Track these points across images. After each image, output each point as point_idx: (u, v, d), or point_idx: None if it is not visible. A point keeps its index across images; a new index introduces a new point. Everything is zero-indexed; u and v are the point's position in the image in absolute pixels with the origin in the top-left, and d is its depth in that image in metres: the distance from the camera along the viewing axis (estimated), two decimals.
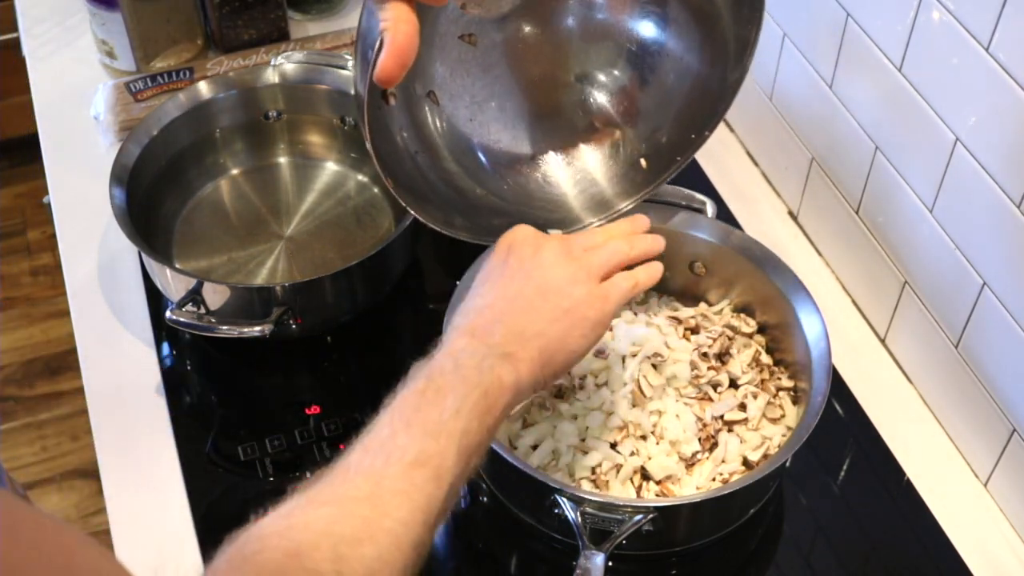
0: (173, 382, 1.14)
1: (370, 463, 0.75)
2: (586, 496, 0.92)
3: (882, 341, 1.19)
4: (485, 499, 1.06)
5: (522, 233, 0.94)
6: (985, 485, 1.08)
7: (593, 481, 0.99)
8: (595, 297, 0.90)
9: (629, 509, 0.92)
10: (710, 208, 1.11)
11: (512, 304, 0.89)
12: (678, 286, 1.13)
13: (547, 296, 0.89)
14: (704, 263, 1.11)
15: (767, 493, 1.03)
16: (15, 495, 0.57)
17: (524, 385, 0.85)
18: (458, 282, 1.05)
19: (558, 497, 0.93)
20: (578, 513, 0.92)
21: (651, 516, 0.92)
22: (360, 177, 1.29)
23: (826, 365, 0.99)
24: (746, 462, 1.01)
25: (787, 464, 0.99)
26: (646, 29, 1.03)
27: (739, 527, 1.02)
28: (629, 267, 0.96)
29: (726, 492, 0.95)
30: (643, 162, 1.06)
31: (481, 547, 1.06)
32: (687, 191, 1.12)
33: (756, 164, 1.36)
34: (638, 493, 0.99)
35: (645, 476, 0.99)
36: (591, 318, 0.89)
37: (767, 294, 1.08)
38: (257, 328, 1.06)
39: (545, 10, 1.02)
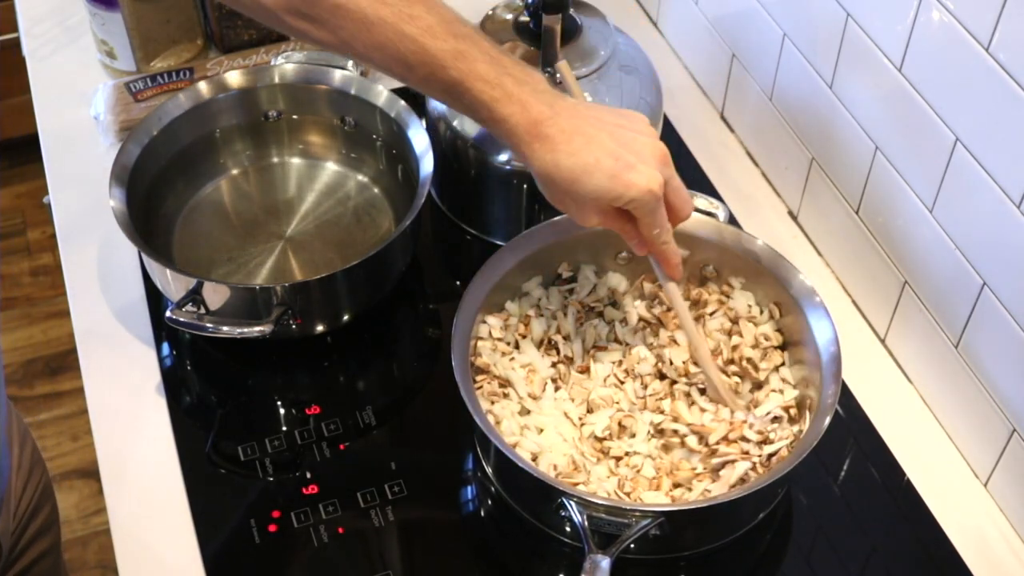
0: (173, 382, 1.14)
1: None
2: (593, 500, 0.92)
3: (882, 341, 1.19)
4: (492, 501, 1.06)
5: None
6: (985, 485, 1.08)
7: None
8: (639, 170, 0.93)
9: (636, 514, 0.92)
10: (721, 213, 1.11)
11: (588, 110, 0.96)
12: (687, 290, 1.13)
13: (614, 126, 0.94)
14: (715, 267, 1.11)
15: (775, 498, 1.03)
16: None
17: (508, 121, 0.93)
18: (459, 282, 1.05)
19: (565, 500, 0.93)
20: (585, 517, 0.92)
21: (659, 521, 0.92)
22: (360, 177, 1.28)
23: (835, 372, 0.98)
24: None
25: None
26: None
27: (748, 531, 1.02)
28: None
29: (734, 498, 0.94)
30: None
31: (488, 549, 1.06)
32: (699, 195, 1.11)
33: (756, 164, 1.36)
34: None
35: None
36: (619, 172, 0.92)
37: (777, 299, 1.08)
38: (257, 328, 1.06)
39: None
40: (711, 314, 1.09)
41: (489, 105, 0.92)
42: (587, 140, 0.92)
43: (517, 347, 1.08)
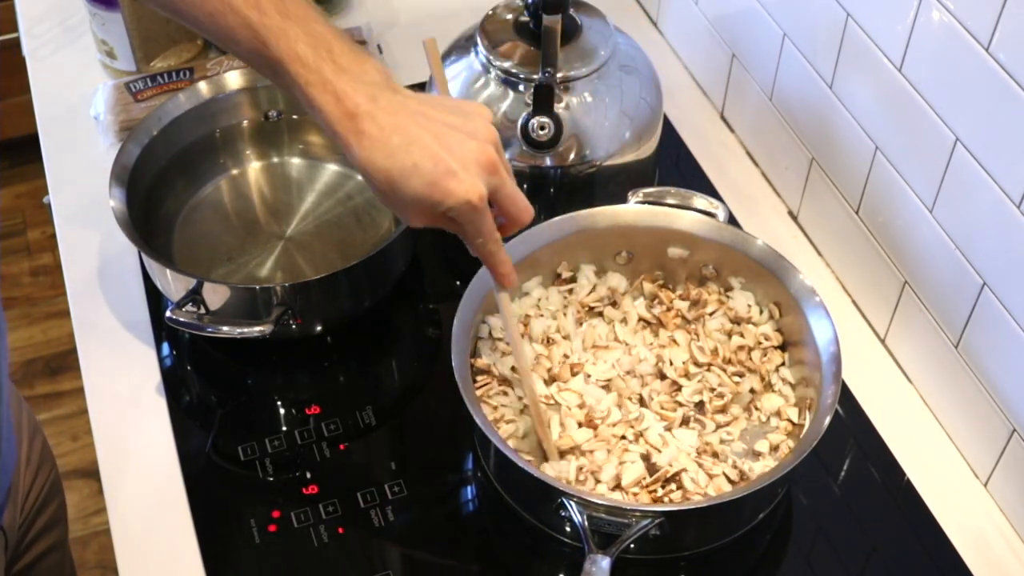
0: (173, 382, 1.14)
1: None
2: (593, 500, 0.92)
3: (882, 341, 1.19)
4: (492, 501, 1.06)
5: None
6: (985, 485, 1.08)
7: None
8: (460, 178, 0.86)
9: (636, 514, 0.92)
10: (721, 213, 1.11)
11: (408, 99, 0.88)
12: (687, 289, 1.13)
13: (443, 127, 0.87)
14: (715, 267, 1.11)
15: (775, 498, 1.03)
16: None
17: (323, 111, 0.86)
18: (459, 282, 1.05)
19: (565, 500, 0.93)
20: (585, 517, 0.92)
21: (658, 521, 0.92)
22: (360, 177, 1.28)
23: (835, 372, 0.98)
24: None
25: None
26: None
27: (748, 531, 1.02)
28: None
29: (733, 498, 0.95)
30: None
31: (488, 549, 1.06)
32: (699, 195, 1.11)
33: (756, 164, 1.36)
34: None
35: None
36: (438, 179, 0.86)
37: (777, 299, 1.08)
38: (257, 328, 1.06)
39: None
40: (711, 314, 1.09)
41: (304, 89, 0.87)
42: (407, 140, 0.86)
43: None
